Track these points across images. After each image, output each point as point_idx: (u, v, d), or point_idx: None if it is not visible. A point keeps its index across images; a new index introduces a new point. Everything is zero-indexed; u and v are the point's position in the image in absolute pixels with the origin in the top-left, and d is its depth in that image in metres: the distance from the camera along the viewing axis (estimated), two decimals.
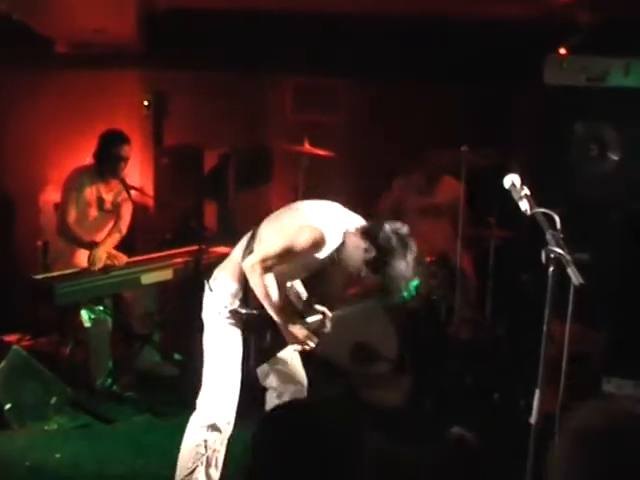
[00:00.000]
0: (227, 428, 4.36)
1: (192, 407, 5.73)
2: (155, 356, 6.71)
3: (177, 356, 6.77)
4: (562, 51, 6.16)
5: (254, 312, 4.24)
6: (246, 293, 4.25)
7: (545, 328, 3.46)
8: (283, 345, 4.41)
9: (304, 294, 4.63)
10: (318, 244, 4.08)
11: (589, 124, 6.04)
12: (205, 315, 4.36)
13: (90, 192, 6.34)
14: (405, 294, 4.24)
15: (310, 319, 4.45)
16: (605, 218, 6.06)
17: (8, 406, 5.60)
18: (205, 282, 4.42)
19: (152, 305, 6.80)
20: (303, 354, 4.65)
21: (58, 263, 6.40)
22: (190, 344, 6.72)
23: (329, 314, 4.53)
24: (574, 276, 3.25)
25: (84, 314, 6.08)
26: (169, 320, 6.80)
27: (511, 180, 3.70)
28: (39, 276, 6.12)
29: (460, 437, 5.46)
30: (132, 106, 7.86)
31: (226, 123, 7.95)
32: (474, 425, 5.54)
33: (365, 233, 4.08)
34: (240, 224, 7.72)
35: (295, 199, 6.82)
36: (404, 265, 4.03)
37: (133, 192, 6.51)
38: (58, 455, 5.28)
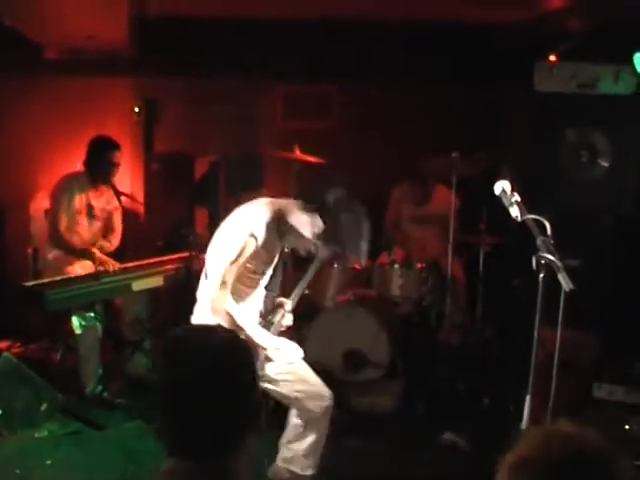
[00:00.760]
0: None
1: None
2: (146, 362, 6.70)
3: None
4: (552, 58, 6.18)
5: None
6: None
7: (535, 334, 3.47)
8: None
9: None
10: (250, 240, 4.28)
11: (579, 130, 6.06)
12: None
13: (79, 199, 6.32)
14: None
15: (275, 319, 4.60)
16: (595, 224, 6.09)
17: None
18: None
19: (143, 312, 6.79)
20: None
21: (48, 270, 6.39)
22: None
23: (287, 306, 4.66)
24: (565, 282, 3.27)
25: (75, 320, 6.07)
26: (160, 326, 6.79)
27: (501, 186, 3.72)
28: (29, 283, 6.11)
29: (452, 442, 5.48)
30: (123, 113, 7.85)
31: (217, 130, 7.95)
32: (465, 430, 5.58)
33: (306, 208, 4.30)
34: None
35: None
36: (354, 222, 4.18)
37: (124, 199, 6.51)
38: (49, 462, 5.26)
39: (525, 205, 3.64)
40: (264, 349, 4.33)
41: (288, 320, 4.66)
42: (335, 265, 6.84)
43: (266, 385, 4.47)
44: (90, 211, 6.41)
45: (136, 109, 7.91)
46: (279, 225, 4.38)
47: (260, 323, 4.52)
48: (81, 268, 6.25)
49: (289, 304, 4.67)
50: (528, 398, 3.50)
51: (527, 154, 6.67)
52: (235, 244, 4.29)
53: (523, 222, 3.54)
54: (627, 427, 5.30)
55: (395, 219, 7.27)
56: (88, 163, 6.35)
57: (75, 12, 6.20)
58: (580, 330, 5.64)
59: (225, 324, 4.18)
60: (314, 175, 6.63)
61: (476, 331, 6.74)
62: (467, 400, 6.11)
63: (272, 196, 7.81)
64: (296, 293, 4.76)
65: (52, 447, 5.46)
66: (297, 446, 4.73)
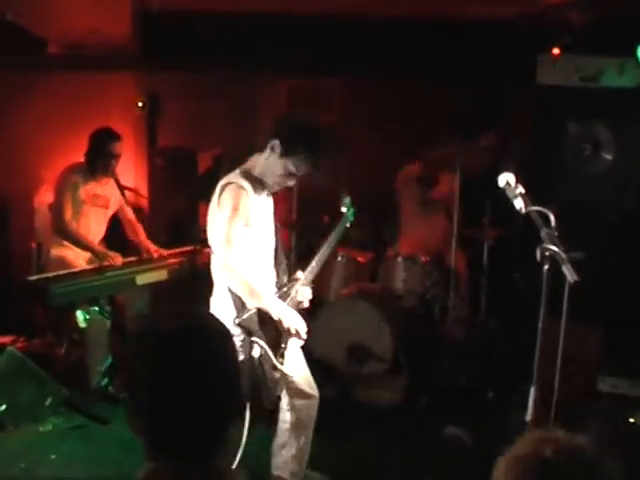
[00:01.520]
0: None
1: None
2: None
3: None
4: (555, 51, 6.17)
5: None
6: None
7: (540, 326, 3.47)
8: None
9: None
10: (242, 192, 4.30)
11: (583, 123, 6.05)
12: None
13: (84, 190, 6.32)
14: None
15: (292, 291, 4.50)
16: (599, 217, 6.08)
17: (3, 407, 5.59)
18: None
19: (145, 306, 6.80)
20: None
21: (52, 264, 6.38)
22: None
23: (301, 278, 4.57)
24: (569, 274, 3.27)
25: (79, 315, 6.07)
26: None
27: (506, 179, 3.72)
28: (34, 277, 6.11)
29: (455, 436, 5.49)
30: (126, 107, 7.85)
31: (220, 125, 7.95)
32: (468, 424, 5.58)
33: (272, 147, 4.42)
34: None
35: (289, 200, 6.86)
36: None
37: (127, 193, 6.52)
38: (53, 456, 5.27)
39: (529, 198, 3.64)
40: (278, 320, 4.22)
41: (307, 293, 4.55)
42: (339, 258, 6.85)
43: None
44: (96, 201, 6.41)
45: (139, 104, 7.91)
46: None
47: (276, 294, 4.40)
48: (85, 262, 6.25)
49: (304, 276, 4.57)
50: (532, 389, 3.50)
51: (530, 148, 6.66)
52: (226, 201, 4.28)
53: (527, 214, 3.54)
54: (631, 420, 5.31)
55: (402, 204, 7.20)
56: (89, 155, 6.35)
57: (78, 7, 6.22)
58: (584, 323, 5.64)
59: (239, 288, 4.14)
60: None
61: (480, 324, 6.74)
62: (470, 394, 6.11)
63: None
64: (316, 262, 4.66)
65: (57, 441, 5.47)
66: (286, 452, 4.66)
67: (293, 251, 6.89)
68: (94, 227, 6.45)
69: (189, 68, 7.60)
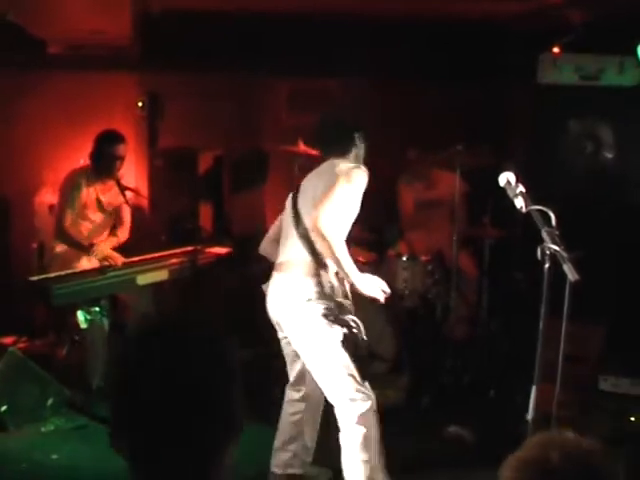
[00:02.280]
0: None
1: None
2: None
3: None
4: (556, 50, 6.17)
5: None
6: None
7: (541, 325, 3.47)
8: None
9: None
10: (363, 180, 4.42)
11: (583, 122, 6.05)
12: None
13: (87, 193, 6.34)
14: None
15: None
16: (600, 215, 6.08)
17: (4, 408, 5.60)
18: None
19: (148, 306, 6.80)
20: None
21: (54, 265, 6.39)
22: None
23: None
24: (570, 272, 3.27)
25: (80, 315, 6.07)
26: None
27: (506, 178, 3.73)
28: (35, 278, 6.11)
29: (457, 435, 5.49)
30: (127, 108, 7.85)
31: (221, 125, 7.95)
32: (471, 423, 5.59)
33: None
34: (235, 225, 7.74)
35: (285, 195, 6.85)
36: None
37: (128, 193, 6.52)
38: (55, 456, 5.28)
39: (529, 197, 3.64)
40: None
41: None
42: None
43: None
44: (99, 205, 6.43)
45: (140, 104, 7.91)
46: None
47: None
48: (87, 263, 6.26)
49: None
50: (534, 388, 3.50)
51: (531, 146, 6.67)
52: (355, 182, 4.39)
53: (528, 213, 3.54)
54: (632, 419, 5.31)
55: (405, 209, 7.24)
56: (94, 157, 6.37)
57: (78, 7, 6.21)
58: (585, 323, 5.65)
59: (324, 252, 4.22)
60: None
61: (482, 323, 6.75)
62: (473, 393, 6.12)
63: (275, 190, 7.87)
64: None
65: (58, 441, 5.48)
66: (295, 446, 4.73)
67: None
68: (95, 231, 6.46)
69: (190, 68, 7.60)
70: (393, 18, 7.25)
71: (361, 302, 5.45)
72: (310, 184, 4.65)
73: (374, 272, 6.83)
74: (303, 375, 4.68)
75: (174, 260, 6.50)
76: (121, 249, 6.49)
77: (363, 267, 6.88)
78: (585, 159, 6.05)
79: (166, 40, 7.42)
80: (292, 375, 4.79)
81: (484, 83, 7.58)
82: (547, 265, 3.36)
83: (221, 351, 1.93)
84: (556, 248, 3.31)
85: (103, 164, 6.33)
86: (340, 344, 4.29)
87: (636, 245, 6.25)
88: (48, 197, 7.32)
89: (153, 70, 7.73)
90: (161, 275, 6.40)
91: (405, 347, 6.09)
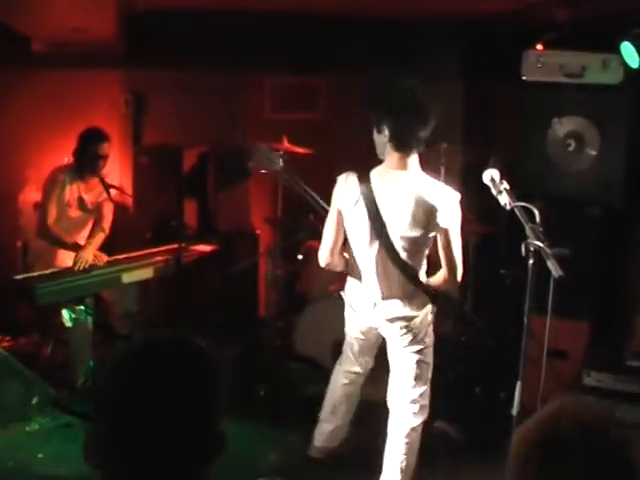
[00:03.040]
0: None
1: None
2: None
3: None
4: (539, 47, 6.18)
5: None
6: None
7: (525, 321, 3.49)
8: None
9: None
10: None
11: (567, 120, 6.07)
12: None
13: (70, 192, 6.33)
14: None
15: None
16: (583, 213, 6.10)
17: None
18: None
19: (133, 304, 6.80)
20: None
21: (38, 263, 6.38)
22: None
23: None
24: (554, 269, 3.29)
25: (65, 314, 6.06)
26: (150, 319, 6.80)
27: (490, 175, 3.74)
28: (19, 276, 6.11)
29: (443, 431, 5.51)
30: (111, 105, 7.83)
31: (205, 122, 7.94)
32: (456, 419, 5.61)
33: None
34: (220, 222, 7.73)
35: (275, 198, 6.86)
36: None
37: (113, 191, 6.51)
38: (41, 455, 5.27)
39: (513, 194, 3.66)
40: None
41: None
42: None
43: None
44: (81, 204, 6.42)
45: (124, 102, 7.89)
46: None
47: None
48: (71, 261, 6.24)
49: None
50: (519, 384, 3.52)
51: (514, 144, 6.68)
52: None
53: (512, 210, 3.56)
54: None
55: None
56: (77, 155, 6.36)
57: (63, 4, 6.19)
58: (569, 319, 5.67)
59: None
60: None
61: (467, 320, 6.76)
62: (458, 389, 6.14)
63: (259, 187, 7.88)
64: None
65: (44, 440, 5.47)
66: (335, 420, 4.96)
67: (278, 249, 6.89)
68: (77, 229, 6.45)
69: (174, 66, 7.58)
70: (378, 16, 7.26)
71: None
72: (406, 198, 4.32)
73: None
74: (368, 363, 4.93)
75: (159, 258, 6.50)
76: (106, 247, 6.48)
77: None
78: (568, 157, 6.06)
79: (150, 38, 7.40)
80: (354, 366, 4.95)
81: (469, 80, 7.60)
82: (531, 261, 3.38)
83: (205, 371, 1.89)
84: (540, 244, 3.33)
85: (86, 162, 6.32)
86: None
87: (619, 242, 6.29)
88: (33, 195, 7.29)
89: (137, 68, 7.71)
90: (146, 273, 6.41)
91: None
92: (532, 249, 3.35)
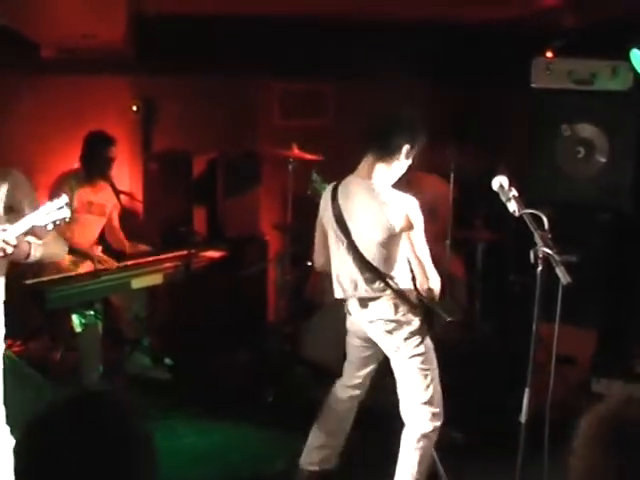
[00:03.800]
0: None
1: (182, 410, 5.76)
2: (145, 360, 6.72)
3: (168, 361, 6.78)
4: (549, 54, 6.19)
5: None
6: None
7: (534, 327, 3.49)
8: None
9: None
10: None
11: (576, 126, 6.07)
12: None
13: (79, 196, 6.34)
14: None
15: None
16: (592, 220, 6.10)
17: None
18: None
19: (142, 310, 6.81)
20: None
21: (48, 268, 6.39)
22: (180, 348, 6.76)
23: None
24: (562, 275, 3.29)
25: (75, 319, 6.08)
26: (159, 325, 6.82)
27: (499, 182, 3.75)
28: (30, 281, 6.12)
29: (450, 438, 5.50)
30: (121, 111, 7.85)
31: (215, 128, 7.96)
32: (464, 426, 5.60)
33: None
34: (229, 228, 7.75)
35: (284, 204, 6.87)
36: None
37: (123, 197, 6.53)
38: None
39: (522, 201, 3.66)
40: None
41: None
42: None
43: None
44: (90, 207, 6.43)
45: (134, 108, 7.92)
46: None
47: None
48: (81, 266, 6.26)
49: None
50: (527, 391, 3.52)
51: (524, 151, 6.68)
52: None
53: (521, 217, 3.57)
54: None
55: None
56: (84, 159, 6.38)
57: (72, 11, 6.21)
58: (578, 325, 5.67)
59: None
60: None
61: (475, 327, 6.75)
62: (466, 396, 6.12)
63: (268, 193, 7.89)
64: None
65: None
66: (332, 441, 4.91)
67: (288, 254, 6.90)
68: (87, 234, 6.46)
69: (184, 72, 7.61)
70: (387, 21, 7.26)
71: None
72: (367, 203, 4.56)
73: None
74: (367, 378, 4.93)
75: (168, 264, 6.52)
76: (116, 253, 6.51)
77: None
78: (578, 164, 6.06)
79: (159, 43, 7.42)
80: (354, 379, 4.95)
81: (478, 87, 7.60)
82: (540, 268, 3.38)
83: (132, 430, 1.83)
84: (549, 251, 3.33)
85: (94, 166, 6.35)
86: None
87: (628, 248, 6.28)
88: (42, 201, 7.28)
89: (147, 73, 7.73)
90: (156, 279, 6.42)
91: None
92: (541, 256, 3.36)
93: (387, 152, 4.46)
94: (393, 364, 4.63)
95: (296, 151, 6.60)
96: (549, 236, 3.39)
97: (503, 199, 3.71)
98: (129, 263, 6.47)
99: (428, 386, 4.56)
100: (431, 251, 5.95)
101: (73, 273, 6.19)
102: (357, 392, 4.93)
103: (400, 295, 4.48)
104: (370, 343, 4.75)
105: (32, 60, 7.34)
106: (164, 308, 7.07)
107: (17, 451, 1.79)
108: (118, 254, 6.54)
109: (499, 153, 6.78)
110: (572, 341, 5.42)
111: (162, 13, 7.15)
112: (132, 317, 6.68)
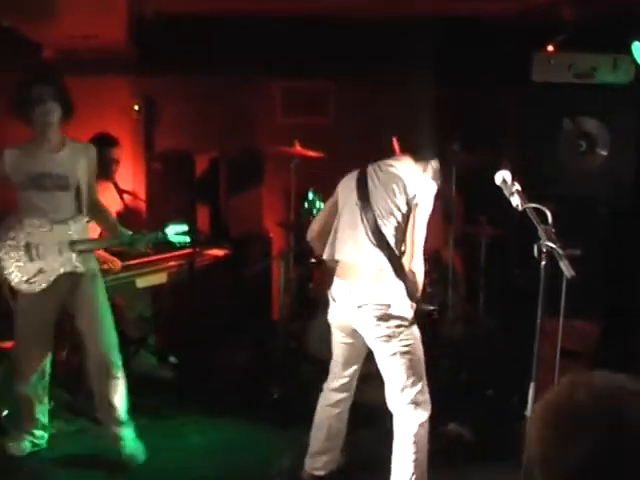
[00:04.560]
0: None
1: (188, 409, 5.76)
2: (151, 360, 6.73)
3: (173, 359, 6.79)
4: (549, 48, 6.20)
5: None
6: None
7: (538, 321, 3.50)
8: None
9: None
10: None
11: (578, 120, 6.08)
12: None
13: None
14: None
15: None
16: (594, 213, 6.11)
17: (5, 412, 5.61)
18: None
19: (146, 309, 6.82)
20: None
21: None
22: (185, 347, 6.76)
23: None
24: (566, 269, 3.29)
25: None
26: (164, 324, 6.83)
27: (502, 176, 3.75)
28: None
29: (456, 433, 5.51)
30: (123, 111, 7.87)
31: (216, 127, 7.97)
32: (469, 421, 5.61)
33: None
34: (232, 227, 7.76)
35: (287, 202, 6.88)
36: None
37: (126, 196, 6.54)
38: (56, 459, 5.29)
39: (525, 195, 3.67)
40: None
41: None
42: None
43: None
44: None
45: (136, 107, 7.92)
46: None
47: None
48: None
49: None
50: (532, 385, 3.52)
51: (525, 145, 6.69)
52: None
53: (524, 211, 3.57)
54: None
55: None
56: None
57: (73, 11, 6.22)
58: (581, 319, 5.67)
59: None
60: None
61: (479, 322, 6.76)
62: (471, 391, 6.14)
63: (271, 191, 7.89)
64: None
65: (58, 445, 5.49)
66: (332, 445, 4.91)
67: (291, 252, 6.92)
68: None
69: (185, 71, 7.62)
70: (386, 18, 7.27)
71: None
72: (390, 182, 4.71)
73: None
74: (353, 378, 4.90)
75: (172, 263, 6.53)
76: (119, 252, 6.51)
77: None
78: (579, 157, 6.07)
79: (160, 43, 7.43)
80: (340, 380, 4.92)
81: (479, 82, 7.60)
82: (543, 262, 3.38)
83: None
84: (552, 245, 3.33)
85: (99, 168, 6.34)
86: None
87: (630, 242, 6.28)
88: None
89: (148, 73, 7.74)
90: (160, 278, 6.43)
91: None
92: (544, 250, 3.36)
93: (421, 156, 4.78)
94: (379, 355, 4.55)
95: (298, 148, 6.60)
96: (553, 230, 3.39)
97: (506, 194, 3.71)
98: (133, 262, 6.47)
99: (417, 375, 4.52)
100: (438, 247, 5.98)
101: None
102: (344, 395, 4.90)
103: (397, 275, 4.48)
104: (354, 337, 4.70)
105: (35, 61, 7.35)
106: (168, 307, 7.07)
107: None
108: (121, 254, 6.54)
109: (501, 148, 6.78)
110: (575, 334, 5.43)
111: (162, 13, 7.16)
112: (136, 316, 6.68)
